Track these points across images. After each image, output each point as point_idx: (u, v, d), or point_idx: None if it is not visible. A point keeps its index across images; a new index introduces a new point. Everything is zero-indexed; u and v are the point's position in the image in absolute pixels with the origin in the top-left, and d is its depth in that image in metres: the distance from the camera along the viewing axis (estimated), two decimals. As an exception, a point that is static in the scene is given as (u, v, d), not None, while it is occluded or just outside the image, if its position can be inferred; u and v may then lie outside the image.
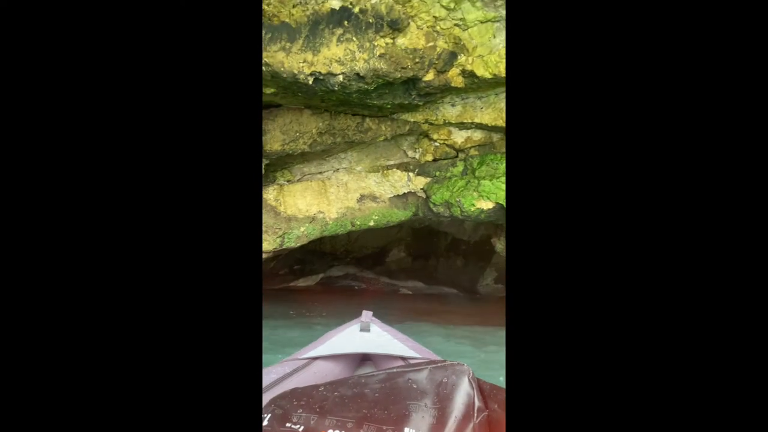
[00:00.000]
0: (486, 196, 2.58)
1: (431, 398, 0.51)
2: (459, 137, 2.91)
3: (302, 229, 2.82)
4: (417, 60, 1.82)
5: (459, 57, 1.95)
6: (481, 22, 1.90)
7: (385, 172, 3.14)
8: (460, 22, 1.81)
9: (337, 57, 1.72)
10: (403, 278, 6.86)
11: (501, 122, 2.58)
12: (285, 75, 1.74)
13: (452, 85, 2.05)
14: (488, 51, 1.96)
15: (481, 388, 0.53)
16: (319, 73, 1.75)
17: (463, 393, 0.51)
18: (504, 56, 1.96)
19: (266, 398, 0.59)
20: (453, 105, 2.67)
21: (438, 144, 2.98)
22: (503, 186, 2.52)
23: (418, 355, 0.96)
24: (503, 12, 1.82)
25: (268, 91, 2.04)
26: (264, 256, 2.76)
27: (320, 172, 3.12)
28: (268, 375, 0.79)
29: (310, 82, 1.76)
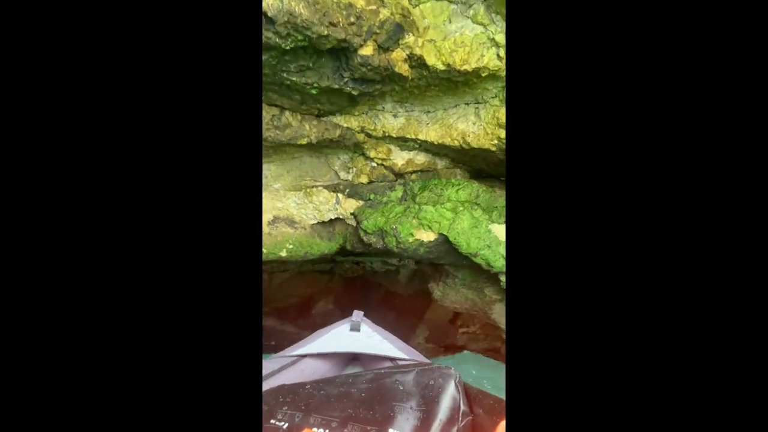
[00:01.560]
0: (428, 225, 2.09)
1: (417, 400, 0.50)
2: (399, 159, 2.48)
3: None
4: (352, 20, 1.35)
5: (407, 35, 1.54)
6: (436, 0, 1.54)
7: (308, 191, 2.54)
8: (410, -10, 1.43)
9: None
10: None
11: (449, 140, 2.20)
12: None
13: (396, 70, 1.61)
14: (442, 36, 1.60)
15: (467, 393, 0.53)
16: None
17: (448, 396, 0.50)
18: (459, 46, 1.60)
19: None
20: (395, 116, 2.26)
21: (375, 164, 2.51)
22: (448, 214, 2.07)
23: (407, 357, 0.93)
24: (461, -9, 1.50)
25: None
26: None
27: (225, 184, 2.44)
28: None
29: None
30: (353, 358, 1.06)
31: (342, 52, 1.52)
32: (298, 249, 2.49)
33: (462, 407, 0.49)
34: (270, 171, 2.50)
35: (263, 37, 1.35)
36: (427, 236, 2.12)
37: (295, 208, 2.55)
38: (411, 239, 2.15)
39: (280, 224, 2.48)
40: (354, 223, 2.53)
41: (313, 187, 2.57)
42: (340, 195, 2.51)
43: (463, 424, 0.48)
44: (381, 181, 2.51)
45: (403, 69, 1.64)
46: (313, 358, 0.93)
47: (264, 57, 1.46)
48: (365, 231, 2.34)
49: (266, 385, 0.70)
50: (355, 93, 1.74)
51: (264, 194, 2.50)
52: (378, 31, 1.46)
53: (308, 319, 6.03)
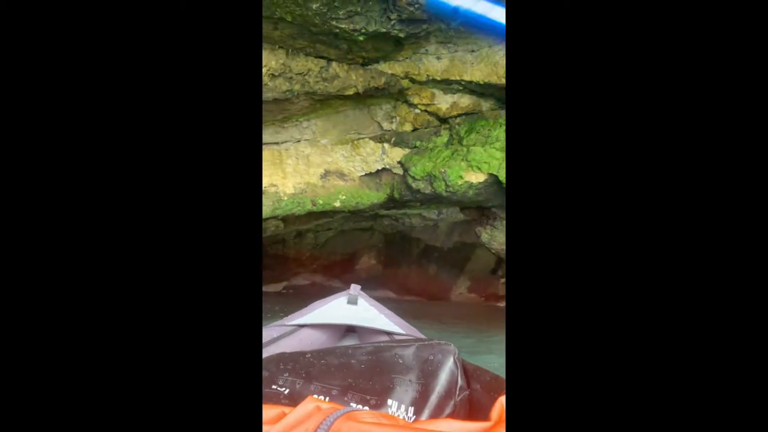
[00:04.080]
0: (477, 166, 2.13)
1: (416, 374, 0.51)
2: (444, 102, 2.47)
3: (248, 203, 2.24)
4: (400, -44, 1.34)
5: (452, -33, 1.51)
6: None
7: (355, 143, 2.63)
8: None
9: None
10: (373, 287, 6.39)
11: (495, 79, 2.17)
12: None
13: (443, 6, 1.59)
14: (489, -37, 1.54)
15: (465, 369, 0.54)
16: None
17: (447, 371, 0.51)
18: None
19: None
20: (439, 58, 2.23)
21: (419, 111, 2.53)
22: (498, 154, 2.08)
23: (402, 331, 0.94)
24: None
25: None
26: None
27: (277, 142, 2.57)
28: None
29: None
30: (349, 329, 1.09)
31: (390, -10, 1.52)
32: (350, 199, 2.63)
33: (460, 382, 0.50)
34: (317, 127, 2.60)
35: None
36: (477, 177, 2.17)
37: (344, 161, 2.65)
38: (460, 182, 2.20)
39: (331, 177, 2.61)
40: (401, 172, 2.61)
41: (358, 139, 2.64)
42: (385, 145, 2.57)
43: (460, 398, 0.49)
44: (425, 128, 2.54)
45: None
46: (310, 328, 0.95)
47: (315, 6, 1.50)
48: (413, 177, 2.42)
49: (266, 352, 0.72)
50: (401, 35, 1.74)
51: (313, 150, 2.61)
52: (426, -35, 1.44)
53: (352, 273, 6.36)
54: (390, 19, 1.68)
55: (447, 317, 4.14)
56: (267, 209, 2.32)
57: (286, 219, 2.71)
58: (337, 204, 2.61)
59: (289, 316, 0.97)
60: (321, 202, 2.52)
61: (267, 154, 2.46)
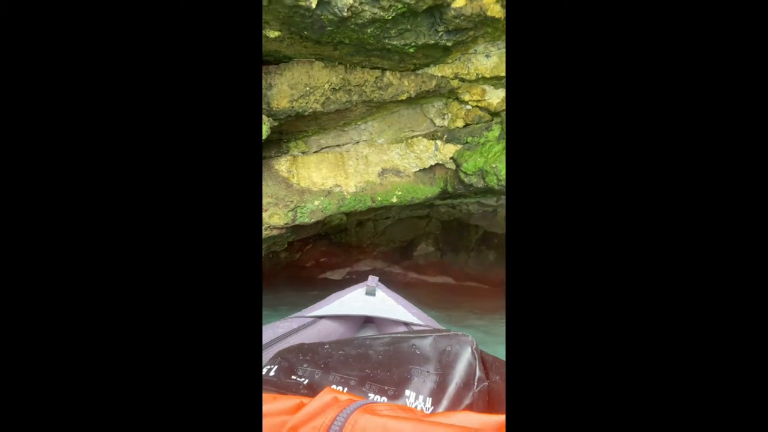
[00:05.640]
0: (528, 160, 2.17)
1: (433, 365, 0.51)
2: (495, 97, 2.52)
3: (316, 202, 2.54)
4: (444, -23, 1.47)
5: (496, -24, 1.59)
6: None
7: (409, 141, 2.80)
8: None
9: (347, -25, 1.42)
10: (431, 273, 6.55)
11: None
12: None
13: (488, 14, 1.69)
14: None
15: (484, 360, 0.53)
16: (325, -6, 1.45)
17: (465, 362, 0.51)
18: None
19: (273, 351, 0.61)
20: (488, 56, 2.29)
21: (470, 107, 2.61)
22: (549, 147, 2.11)
23: (420, 322, 0.94)
24: None
25: (271, 35, 1.77)
26: (276, 231, 2.50)
27: (338, 145, 2.83)
28: (276, 329, 0.81)
29: (314, 5, 1.46)
30: (368, 320, 1.10)
31: (436, 9, 1.66)
32: (405, 195, 2.82)
33: (478, 373, 0.49)
34: (374, 128, 2.81)
35: (369, 14, 1.56)
36: (528, 171, 2.21)
37: (399, 159, 2.84)
38: (511, 176, 2.26)
39: (387, 175, 2.82)
40: (453, 167, 2.73)
41: (412, 137, 2.80)
42: (438, 141, 2.70)
43: (478, 389, 0.48)
44: (477, 123, 2.61)
45: (495, 11, 1.70)
46: (329, 319, 0.95)
47: (369, 30, 1.68)
48: (465, 173, 2.53)
49: (286, 344, 0.73)
50: (449, 44, 1.86)
51: (371, 149, 2.83)
52: (469, -20, 1.54)
53: (411, 260, 6.57)
54: (438, 32, 1.80)
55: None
56: (333, 208, 2.61)
57: (348, 212, 3.00)
58: (394, 200, 2.82)
59: (309, 308, 0.99)
60: (379, 198, 2.75)
61: (331, 156, 2.74)
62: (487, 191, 2.58)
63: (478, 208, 5.44)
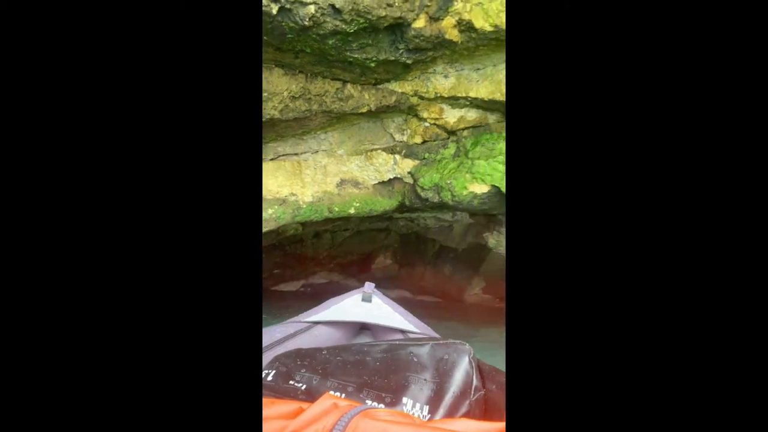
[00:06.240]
0: (480, 178, 2.27)
1: (431, 373, 0.51)
2: (451, 116, 2.63)
3: (270, 211, 2.46)
4: (406, -3, 1.51)
5: (455, 2, 1.67)
6: (481, -38, 1.63)
7: (368, 154, 2.82)
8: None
9: (310, -16, 1.42)
10: (389, 287, 6.55)
11: (499, 96, 2.30)
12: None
13: (447, 37, 1.76)
14: (488, -2, 1.69)
15: (481, 369, 0.53)
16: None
17: (462, 371, 0.51)
18: (505, 5, 1.70)
19: (271, 355, 0.61)
20: (446, 76, 2.38)
21: (428, 124, 2.69)
22: (500, 167, 2.23)
23: (416, 330, 0.94)
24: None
25: (229, 36, 1.72)
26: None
27: (296, 153, 2.78)
28: (273, 333, 0.80)
29: (275, 12, 1.44)
30: (363, 327, 1.09)
31: (397, 27, 1.70)
32: (363, 206, 2.82)
33: (475, 382, 0.50)
34: (334, 138, 2.80)
35: (331, 25, 1.57)
36: (481, 188, 2.31)
37: (358, 171, 2.84)
38: (465, 192, 2.35)
39: (346, 186, 2.81)
40: (411, 181, 2.78)
41: (372, 150, 2.83)
42: (397, 156, 2.74)
43: (475, 398, 0.48)
44: (434, 140, 2.70)
45: (453, 35, 1.78)
46: (325, 325, 0.95)
47: (331, 41, 1.69)
48: (422, 187, 2.58)
49: (282, 348, 0.73)
50: (409, 62, 1.91)
51: (330, 160, 2.81)
52: (429, 3, 1.61)
53: (368, 273, 6.53)
54: (399, 49, 1.85)
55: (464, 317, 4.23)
56: (287, 217, 2.54)
57: (305, 222, 2.93)
58: (352, 211, 2.80)
59: (305, 313, 0.99)
60: (337, 209, 2.73)
61: (288, 165, 2.68)
62: (443, 206, 2.65)
63: (435, 223, 5.58)
